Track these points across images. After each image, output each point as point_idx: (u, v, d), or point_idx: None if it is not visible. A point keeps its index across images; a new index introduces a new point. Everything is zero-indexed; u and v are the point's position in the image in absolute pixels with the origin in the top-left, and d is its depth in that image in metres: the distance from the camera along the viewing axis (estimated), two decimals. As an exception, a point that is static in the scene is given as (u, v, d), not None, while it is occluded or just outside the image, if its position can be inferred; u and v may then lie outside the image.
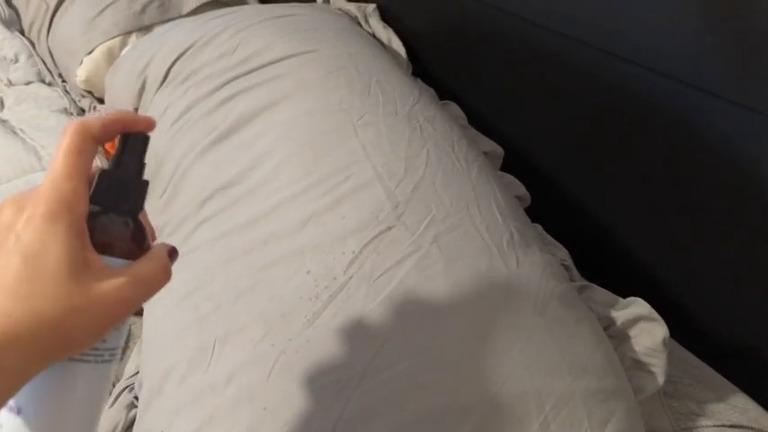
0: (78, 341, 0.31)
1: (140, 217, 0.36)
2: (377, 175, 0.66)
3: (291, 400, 0.51)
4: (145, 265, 0.34)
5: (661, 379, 0.64)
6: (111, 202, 0.35)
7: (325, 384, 0.51)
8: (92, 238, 0.33)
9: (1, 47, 1.34)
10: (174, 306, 0.64)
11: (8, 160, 1.05)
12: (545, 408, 0.53)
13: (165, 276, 0.35)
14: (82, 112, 1.21)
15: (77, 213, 0.32)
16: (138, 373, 0.68)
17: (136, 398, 0.66)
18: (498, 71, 0.99)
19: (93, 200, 0.34)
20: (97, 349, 0.34)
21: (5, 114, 1.18)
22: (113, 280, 0.32)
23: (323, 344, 0.53)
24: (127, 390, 0.68)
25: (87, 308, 0.31)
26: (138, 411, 0.62)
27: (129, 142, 0.36)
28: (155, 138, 0.88)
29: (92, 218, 0.33)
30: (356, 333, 0.54)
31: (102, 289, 0.32)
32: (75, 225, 0.32)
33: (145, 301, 0.34)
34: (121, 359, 0.78)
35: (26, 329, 0.29)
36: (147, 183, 0.36)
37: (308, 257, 0.60)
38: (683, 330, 0.73)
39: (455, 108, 0.97)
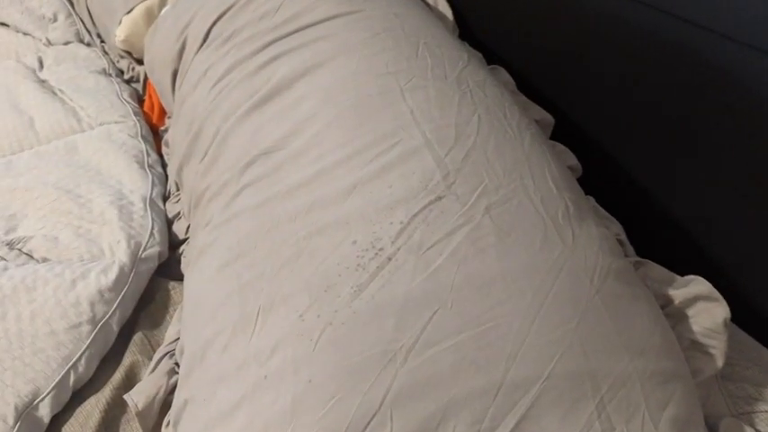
0: None
1: None
2: (426, 141, 0.63)
3: (337, 374, 0.49)
4: None
5: (720, 361, 0.61)
6: None
7: (372, 358, 0.49)
8: None
9: (40, 6, 1.34)
10: (216, 272, 0.63)
11: (48, 121, 1.05)
12: (601, 389, 0.50)
13: None
14: (120, 73, 1.21)
15: None
16: (178, 339, 0.68)
17: (176, 364, 0.66)
18: (548, 35, 0.94)
19: None
20: None
21: (44, 74, 1.18)
22: None
23: (370, 316, 0.52)
24: (167, 356, 0.68)
25: None
26: (180, 378, 0.61)
27: None
28: (195, 99, 0.87)
29: None
30: (404, 306, 0.52)
31: None
32: None
33: None
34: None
35: None
36: None
37: (354, 227, 0.58)
38: (741, 312, 0.70)
39: (504, 73, 0.93)
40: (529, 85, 0.95)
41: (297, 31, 0.81)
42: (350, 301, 0.53)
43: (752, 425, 0.60)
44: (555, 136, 0.88)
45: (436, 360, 0.49)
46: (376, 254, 0.55)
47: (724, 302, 0.61)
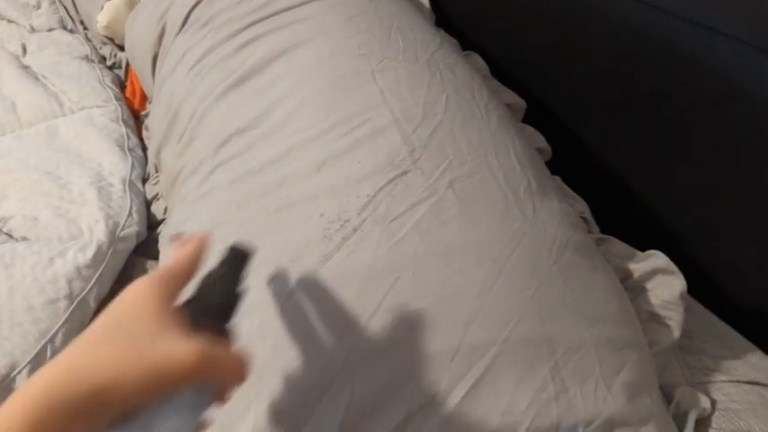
0: (120, 390, 0.30)
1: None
2: (394, 119, 0.65)
3: (300, 338, 0.51)
4: (224, 349, 0.34)
5: (677, 332, 0.63)
6: (213, 299, 0.38)
7: (334, 323, 0.51)
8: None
9: (24, -7, 1.34)
10: (189, 247, 0.65)
11: (30, 105, 1.06)
12: (556, 353, 0.52)
13: (239, 370, 0.35)
14: (103, 59, 1.21)
15: (174, 286, 0.35)
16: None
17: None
18: (522, 23, 0.96)
19: (197, 295, 0.37)
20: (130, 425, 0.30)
21: (28, 60, 1.18)
22: (185, 340, 0.32)
23: (333, 284, 0.53)
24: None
25: (142, 357, 0.30)
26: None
27: (236, 258, 0.42)
28: (173, 82, 0.88)
29: (190, 308, 0.36)
30: (368, 275, 0.54)
31: (169, 343, 0.31)
32: (167, 290, 0.35)
33: (205, 378, 0.32)
34: None
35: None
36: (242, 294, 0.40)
37: (322, 201, 0.60)
38: (702, 287, 0.72)
39: (477, 59, 0.95)
40: (503, 72, 0.97)
41: (274, 14, 0.83)
42: (315, 271, 0.55)
43: (707, 394, 0.63)
44: (527, 120, 0.90)
45: (396, 325, 0.51)
46: (342, 225, 0.57)
47: (681, 275, 0.63)
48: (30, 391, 0.29)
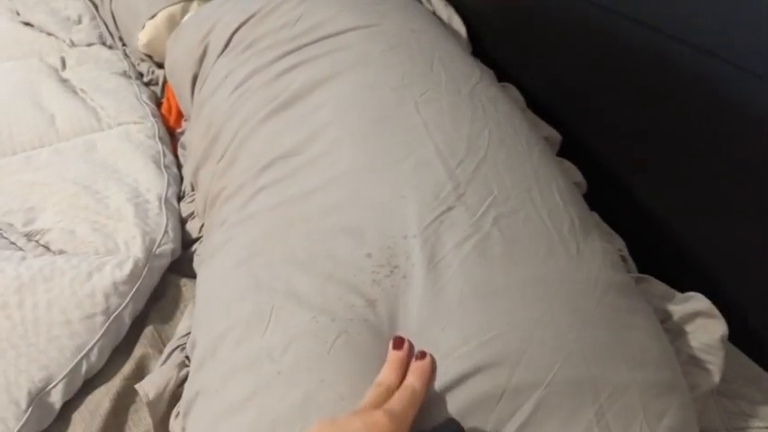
0: None
1: None
2: (438, 153, 0.66)
3: (350, 376, 0.51)
4: None
5: (717, 377, 0.62)
6: None
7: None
8: None
9: (65, 7, 1.37)
10: (230, 270, 0.65)
11: (69, 119, 1.07)
12: (601, 397, 0.52)
13: None
14: (140, 75, 1.23)
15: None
16: (189, 333, 0.70)
17: (187, 357, 0.68)
18: (559, 55, 0.97)
19: None
20: None
21: (67, 74, 1.21)
22: None
23: (384, 331, 0.54)
24: (178, 349, 0.70)
25: None
26: (191, 370, 0.63)
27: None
28: (214, 103, 0.89)
29: None
30: (418, 322, 0.54)
31: None
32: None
33: None
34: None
35: None
36: None
37: (369, 239, 0.60)
38: (738, 332, 0.71)
39: (514, 91, 0.96)
40: (538, 104, 0.97)
41: (316, 41, 0.84)
42: (365, 315, 0.55)
43: (745, 441, 0.62)
44: (561, 153, 0.90)
45: (445, 371, 0.51)
46: (391, 271, 0.57)
47: (722, 319, 0.63)
48: None
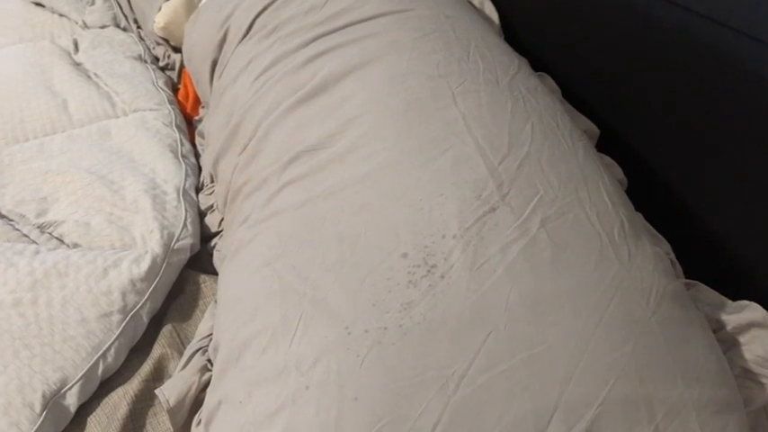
0: None
1: None
2: (478, 148, 0.62)
3: (386, 396, 0.47)
4: None
5: (773, 393, 0.59)
6: None
7: (424, 383, 0.48)
8: None
9: (78, -12, 1.33)
10: (255, 271, 0.62)
11: (82, 104, 1.04)
12: (657, 416, 0.48)
13: None
14: (156, 60, 1.19)
15: None
16: (210, 335, 0.66)
17: (209, 361, 0.65)
18: (596, 43, 0.92)
19: None
20: None
21: (80, 57, 1.17)
22: None
23: (421, 338, 0.50)
24: (200, 352, 0.67)
25: None
26: (213, 377, 0.60)
27: None
28: (235, 91, 0.85)
29: None
30: (457, 328, 0.50)
31: None
32: None
33: None
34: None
35: None
36: None
37: (404, 238, 0.56)
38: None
39: (550, 81, 0.91)
40: (573, 94, 0.93)
41: (344, 27, 0.80)
42: (400, 320, 0.51)
43: (800, 459, 0.58)
44: (598, 148, 0.86)
45: (489, 387, 0.48)
46: (428, 271, 0.53)
47: (780, 332, 0.59)
48: None
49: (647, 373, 0.50)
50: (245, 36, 0.87)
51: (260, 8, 0.87)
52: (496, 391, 0.47)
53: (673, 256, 0.69)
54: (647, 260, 0.57)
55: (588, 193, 0.60)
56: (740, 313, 0.62)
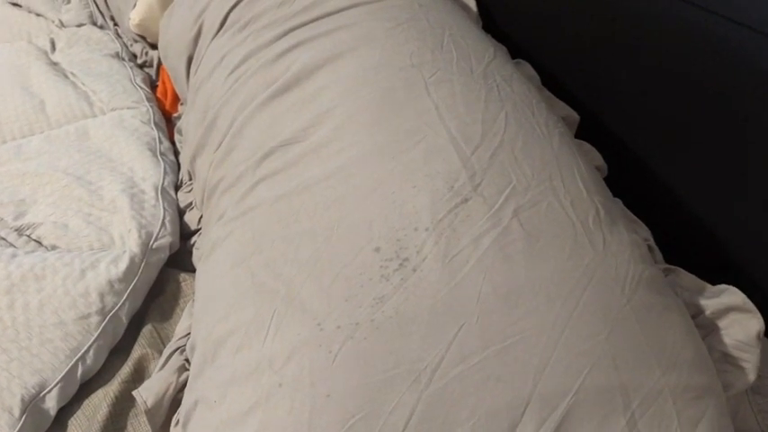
0: None
1: None
2: (451, 139, 0.61)
3: (359, 392, 0.47)
4: None
5: (752, 375, 0.58)
6: None
7: (396, 377, 0.47)
8: None
9: (54, -14, 1.31)
10: (229, 269, 0.61)
11: (59, 105, 1.03)
12: (632, 403, 0.48)
13: None
14: (134, 57, 1.18)
15: None
16: (189, 334, 0.66)
17: (187, 360, 0.64)
18: (575, 28, 0.91)
19: None
20: None
21: (56, 57, 1.16)
22: None
23: (393, 332, 0.49)
24: (178, 351, 0.66)
25: None
26: (190, 377, 0.59)
27: None
28: (210, 87, 0.84)
29: None
30: (429, 321, 0.49)
31: None
32: None
33: None
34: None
35: None
36: None
37: (377, 232, 0.55)
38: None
39: (529, 68, 0.90)
40: (553, 81, 0.92)
41: (317, 19, 0.79)
42: (372, 314, 0.51)
43: (782, 441, 0.58)
44: (578, 135, 0.85)
45: (461, 379, 0.47)
46: (401, 264, 0.53)
47: (758, 314, 0.59)
48: None
49: (623, 360, 0.50)
50: (218, 31, 0.86)
51: (233, 2, 0.86)
52: (469, 383, 0.47)
53: (652, 241, 0.69)
54: (622, 247, 0.57)
55: (563, 181, 0.59)
56: (719, 298, 0.62)
